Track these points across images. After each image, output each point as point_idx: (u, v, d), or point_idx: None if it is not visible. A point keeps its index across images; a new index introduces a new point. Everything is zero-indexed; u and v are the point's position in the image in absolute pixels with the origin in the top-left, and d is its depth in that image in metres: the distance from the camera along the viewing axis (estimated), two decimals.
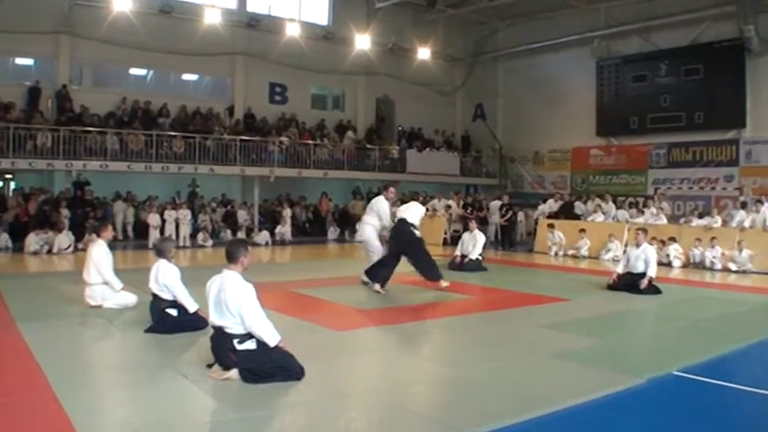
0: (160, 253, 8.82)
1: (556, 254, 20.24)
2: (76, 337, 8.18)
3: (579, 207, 22.83)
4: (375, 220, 12.66)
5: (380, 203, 12.74)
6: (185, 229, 21.95)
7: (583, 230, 20.21)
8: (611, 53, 27.85)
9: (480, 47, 32.93)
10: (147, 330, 8.13)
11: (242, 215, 25.09)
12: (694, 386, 6.55)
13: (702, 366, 7.11)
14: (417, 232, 12.23)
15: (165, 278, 8.42)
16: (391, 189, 12.92)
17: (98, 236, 10.13)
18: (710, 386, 6.57)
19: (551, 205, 23.56)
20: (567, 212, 22.64)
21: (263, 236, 23.16)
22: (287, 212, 25.25)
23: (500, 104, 33.06)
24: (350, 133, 29.64)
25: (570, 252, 20.05)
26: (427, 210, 25.16)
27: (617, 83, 27.41)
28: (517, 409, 5.50)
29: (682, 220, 20.13)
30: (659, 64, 25.87)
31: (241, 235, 22.44)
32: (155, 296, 8.50)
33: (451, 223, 24.70)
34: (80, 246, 18.56)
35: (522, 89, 31.16)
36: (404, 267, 12.31)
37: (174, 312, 8.36)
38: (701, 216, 19.47)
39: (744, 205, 18.95)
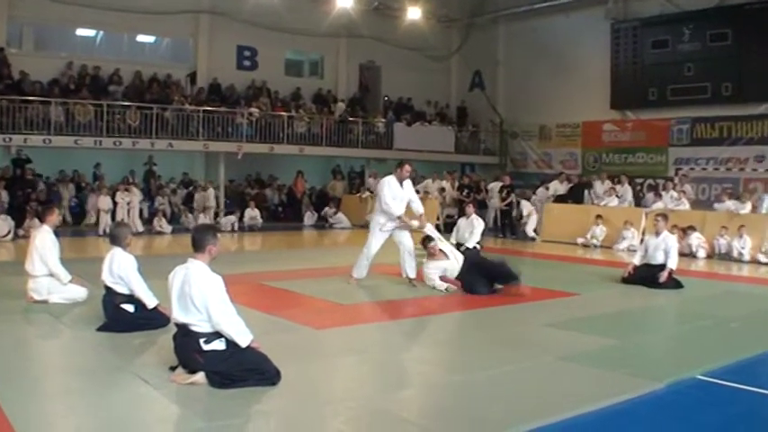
0: (115, 240, 8.80)
1: (595, 247, 20.06)
2: (19, 336, 8.15)
3: (596, 188, 22.88)
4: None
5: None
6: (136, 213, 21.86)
7: (600, 217, 20.29)
8: (628, 15, 27.83)
9: (479, 6, 32.78)
10: (100, 329, 8.12)
11: (203, 197, 24.45)
12: (719, 392, 6.62)
13: (729, 370, 7.17)
14: None
15: (121, 269, 8.41)
16: (406, 167, 12.38)
17: (42, 221, 10.11)
18: (738, 392, 6.64)
19: (556, 187, 23.60)
20: (577, 196, 22.73)
21: (229, 221, 23.14)
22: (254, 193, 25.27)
23: (501, 72, 33.03)
24: (340, 104, 29.62)
25: (580, 241, 20.14)
26: (417, 192, 25.30)
27: (634, 49, 27.38)
28: (520, 418, 5.55)
29: (715, 204, 20.05)
30: (682, 28, 25.84)
31: (205, 219, 22.31)
32: (108, 289, 8.50)
33: (445, 207, 24.75)
34: (21, 232, 18.52)
35: (527, 55, 31.10)
36: (396, 258, 12.30)
37: (130, 308, 8.36)
38: (733, 198, 19.56)
39: None
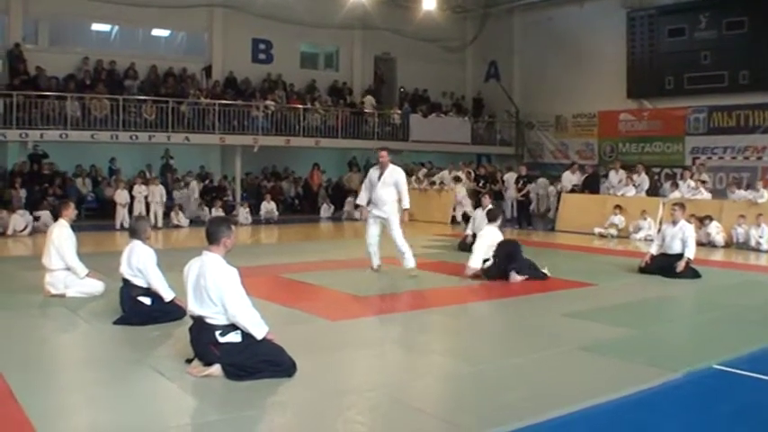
0: (134, 233, 8.83)
1: (612, 237, 19.90)
2: (37, 329, 8.20)
3: (611, 178, 22.81)
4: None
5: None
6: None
7: (618, 206, 20.18)
8: (644, 3, 27.63)
9: None
10: (117, 322, 8.15)
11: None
12: (737, 381, 6.58)
13: (746, 359, 7.12)
14: None
15: (139, 261, 8.42)
16: (380, 153, 12.46)
17: (59, 216, 10.14)
18: (756, 381, 6.59)
19: (569, 178, 23.53)
20: (592, 186, 22.65)
21: (246, 213, 23.19)
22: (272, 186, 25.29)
23: (516, 62, 32.92)
24: (369, 98, 29.62)
25: (598, 230, 20.05)
26: (433, 183, 25.30)
27: (650, 37, 27.23)
28: (537, 408, 5.52)
29: (729, 194, 19.93)
30: (699, 16, 25.69)
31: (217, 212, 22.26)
32: (126, 282, 8.52)
33: (457, 204, 24.65)
34: (37, 223, 18.65)
35: (542, 45, 30.98)
36: (412, 249, 12.30)
37: (147, 301, 8.38)
38: (746, 187, 19.46)
39: None
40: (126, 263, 8.53)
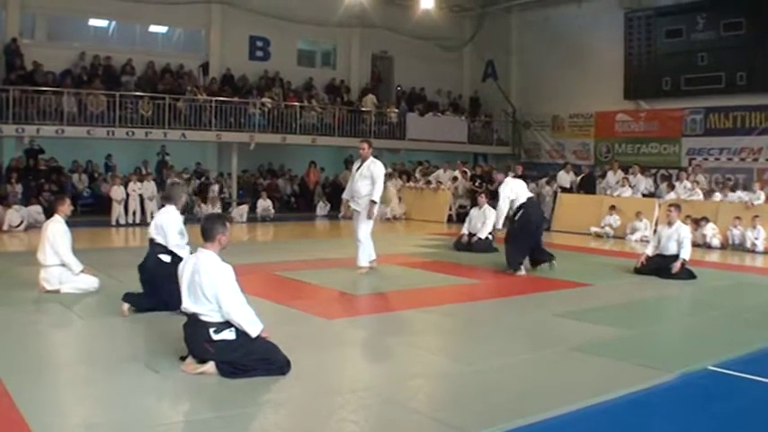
0: (168, 199, 9.12)
1: (608, 237, 19.96)
2: (31, 325, 8.18)
3: (608, 178, 22.84)
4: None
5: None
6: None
7: (613, 207, 20.20)
8: (642, 4, 27.68)
9: None
10: (127, 298, 8.38)
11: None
12: (731, 383, 6.59)
13: (741, 361, 7.13)
14: None
15: (163, 222, 8.70)
16: (362, 145, 12.70)
17: (54, 211, 10.13)
18: (750, 383, 6.60)
19: (564, 177, 23.56)
20: (588, 186, 22.66)
21: (242, 211, 23.17)
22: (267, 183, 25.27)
23: (514, 62, 32.95)
24: (371, 96, 29.60)
25: (594, 230, 20.07)
26: (429, 182, 25.31)
27: (648, 38, 27.25)
28: (531, 409, 5.52)
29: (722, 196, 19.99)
30: (696, 17, 25.72)
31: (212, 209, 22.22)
32: (152, 242, 8.78)
33: (457, 198, 24.72)
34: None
35: (539, 45, 30.98)
36: (407, 249, 12.33)
37: (167, 258, 8.58)
38: (733, 189, 19.54)
39: None
40: (154, 224, 8.88)
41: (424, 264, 13.43)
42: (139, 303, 8.47)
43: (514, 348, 7.50)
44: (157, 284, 8.39)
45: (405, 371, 6.77)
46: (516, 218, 12.70)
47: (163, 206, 9.35)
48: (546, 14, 30.65)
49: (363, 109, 28.84)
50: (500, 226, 13.13)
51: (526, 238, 12.64)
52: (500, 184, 13.09)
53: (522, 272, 12.46)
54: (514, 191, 12.60)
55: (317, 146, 27.52)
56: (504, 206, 12.62)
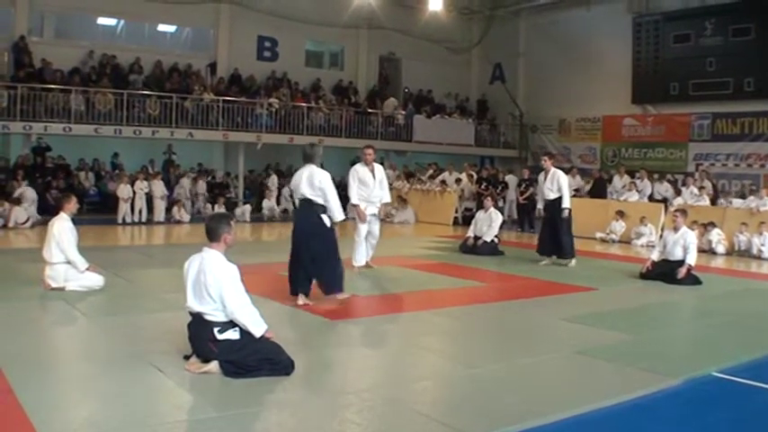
0: (309, 158, 9.62)
1: (613, 241, 19.88)
2: (36, 322, 8.20)
3: (615, 183, 22.81)
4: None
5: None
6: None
7: (620, 213, 20.14)
8: (650, 9, 27.69)
9: None
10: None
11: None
12: (736, 389, 6.57)
13: (746, 367, 7.11)
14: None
15: (321, 182, 9.30)
16: (367, 150, 12.74)
17: (61, 209, 10.14)
18: (754, 389, 6.58)
19: (570, 182, 23.47)
20: (599, 191, 22.60)
21: (247, 210, 23.18)
22: (273, 182, 25.19)
23: (521, 65, 32.99)
24: (392, 100, 29.65)
25: (599, 235, 20.04)
26: (444, 182, 25.25)
27: (656, 43, 27.26)
28: (535, 412, 5.51)
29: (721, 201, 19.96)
30: (705, 22, 25.71)
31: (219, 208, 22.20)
32: (306, 202, 9.40)
33: (463, 200, 24.68)
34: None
35: (547, 48, 31.03)
36: (413, 251, 12.31)
37: (327, 222, 9.38)
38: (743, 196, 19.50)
39: None
40: (307, 185, 9.33)
41: (429, 266, 13.42)
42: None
43: (519, 351, 7.48)
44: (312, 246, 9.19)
45: (409, 373, 6.76)
46: (563, 207, 14.02)
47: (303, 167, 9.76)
48: (554, 18, 30.67)
49: (385, 112, 28.86)
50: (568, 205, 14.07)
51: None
52: (547, 172, 14.37)
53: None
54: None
55: (323, 147, 27.41)
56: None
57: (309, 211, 9.35)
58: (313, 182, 9.19)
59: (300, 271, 9.36)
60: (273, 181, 25.34)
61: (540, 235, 14.84)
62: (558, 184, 14.16)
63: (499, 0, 32.58)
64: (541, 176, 14.71)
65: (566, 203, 14.10)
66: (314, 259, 9.25)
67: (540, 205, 14.98)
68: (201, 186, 24.43)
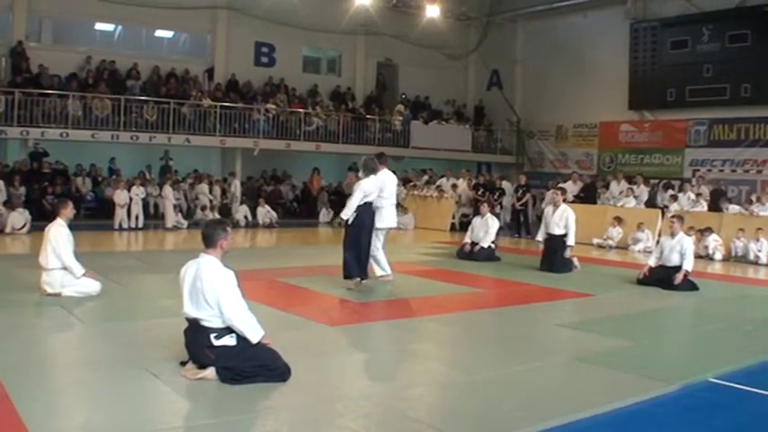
0: (371, 170, 11.23)
1: (610, 248, 19.90)
2: (32, 328, 8.18)
3: (612, 188, 22.85)
4: None
5: None
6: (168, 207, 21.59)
7: (618, 219, 20.16)
8: (648, 15, 27.69)
9: (497, 5, 32.60)
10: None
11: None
12: (733, 395, 6.57)
13: (742, 373, 7.12)
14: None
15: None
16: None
17: (57, 214, 10.12)
18: (752, 395, 6.58)
19: (570, 188, 23.51)
20: (589, 196, 22.61)
21: (243, 215, 23.17)
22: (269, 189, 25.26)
23: (519, 72, 32.97)
24: (400, 107, 29.71)
25: (596, 241, 20.05)
26: (440, 188, 25.26)
27: (653, 49, 27.25)
28: (531, 419, 5.51)
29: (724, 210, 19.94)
30: (702, 28, 25.70)
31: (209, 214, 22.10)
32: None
33: (460, 206, 24.68)
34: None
35: (544, 54, 31.03)
36: (410, 256, 12.30)
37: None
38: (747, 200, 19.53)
39: None
40: (365, 189, 10.96)
41: (426, 272, 13.42)
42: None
43: (516, 358, 7.47)
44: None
45: (405, 379, 6.76)
46: (568, 245, 14.30)
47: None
48: (551, 24, 30.71)
49: (397, 119, 28.98)
50: None
51: None
52: (557, 206, 14.57)
53: None
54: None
55: (321, 152, 27.51)
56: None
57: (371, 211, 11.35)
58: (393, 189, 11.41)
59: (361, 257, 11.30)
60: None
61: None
62: (566, 222, 14.19)
63: (496, 6, 32.56)
64: (549, 210, 14.70)
65: (570, 241, 14.15)
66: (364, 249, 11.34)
67: (539, 237, 14.90)
68: (199, 191, 24.38)
